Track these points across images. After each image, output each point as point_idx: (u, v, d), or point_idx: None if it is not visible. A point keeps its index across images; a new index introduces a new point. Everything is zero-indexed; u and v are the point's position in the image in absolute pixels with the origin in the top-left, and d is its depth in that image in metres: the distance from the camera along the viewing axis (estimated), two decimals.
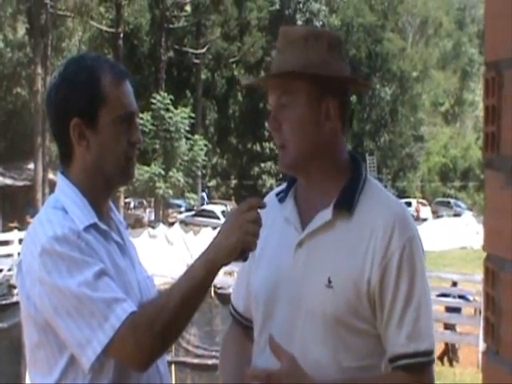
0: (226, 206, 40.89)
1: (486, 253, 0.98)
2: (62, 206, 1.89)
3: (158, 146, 37.05)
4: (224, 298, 7.92)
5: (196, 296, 1.82)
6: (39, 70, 39.06)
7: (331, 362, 1.78)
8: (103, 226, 1.92)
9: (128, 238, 2.09)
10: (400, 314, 1.76)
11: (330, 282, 1.77)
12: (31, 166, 40.38)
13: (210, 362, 7.73)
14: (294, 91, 1.83)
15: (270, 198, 2.01)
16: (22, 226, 32.52)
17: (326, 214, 1.83)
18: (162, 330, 1.77)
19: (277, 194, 2.00)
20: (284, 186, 2.01)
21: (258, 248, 1.80)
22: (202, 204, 42.91)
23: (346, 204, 1.82)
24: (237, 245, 1.76)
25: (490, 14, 0.99)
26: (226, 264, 1.80)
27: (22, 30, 48.64)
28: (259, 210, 1.79)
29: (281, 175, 44.20)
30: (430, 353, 1.79)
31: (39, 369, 1.89)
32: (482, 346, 11.84)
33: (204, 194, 46.23)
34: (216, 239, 1.80)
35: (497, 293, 0.94)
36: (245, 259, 1.80)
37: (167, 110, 37.09)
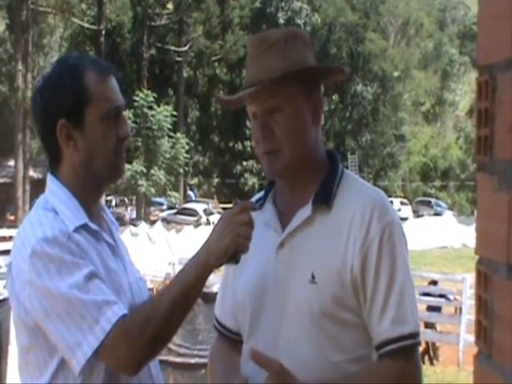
0: (207, 204, 40.84)
1: (479, 256, 0.98)
2: (52, 207, 1.87)
3: (139, 144, 36.99)
4: (207, 297, 7.88)
5: (187, 299, 1.80)
6: (20, 66, 38.82)
7: (318, 358, 1.77)
8: (94, 227, 1.90)
9: (120, 239, 2.07)
10: (383, 298, 1.76)
11: (313, 277, 1.77)
12: (11, 163, 40.12)
13: (192, 360, 7.69)
14: (287, 93, 1.81)
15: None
16: (3, 224, 32.28)
17: (306, 211, 1.83)
18: (152, 334, 1.75)
19: (256, 201, 1.98)
20: (261, 193, 2.00)
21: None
22: (190, 201, 42.84)
23: (324, 198, 1.83)
24: (229, 247, 1.74)
25: (484, 17, 0.99)
26: (217, 267, 1.78)
27: (2, 25, 48.28)
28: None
29: (263, 174, 44.16)
30: (415, 335, 1.77)
31: (30, 372, 1.87)
32: (462, 344, 11.91)
33: (191, 193, 46.23)
34: (208, 242, 1.78)
35: (489, 296, 0.94)
36: (237, 262, 1.78)
37: (150, 107, 37.00)
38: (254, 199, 2.01)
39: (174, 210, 40.54)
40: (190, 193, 46.02)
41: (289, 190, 1.90)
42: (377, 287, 1.76)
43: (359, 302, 1.78)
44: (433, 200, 51.20)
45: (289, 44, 1.83)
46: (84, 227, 1.86)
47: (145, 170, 36.60)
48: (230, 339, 2.02)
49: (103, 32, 41.46)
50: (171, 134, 38.16)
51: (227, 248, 1.74)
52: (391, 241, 1.77)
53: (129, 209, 43.15)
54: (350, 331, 1.79)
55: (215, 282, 10.42)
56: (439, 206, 49.43)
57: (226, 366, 1.94)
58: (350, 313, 1.78)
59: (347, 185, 1.86)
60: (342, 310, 1.77)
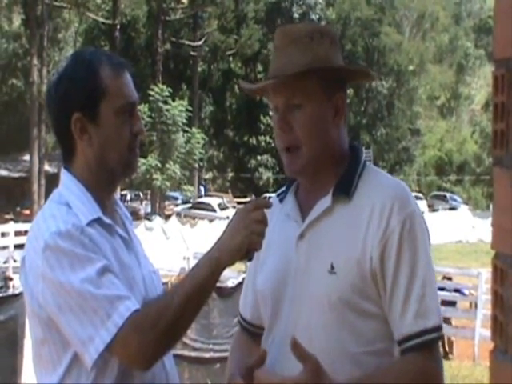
0: (222, 198, 40.85)
1: (495, 251, 0.97)
2: (66, 201, 1.87)
3: (154, 139, 37.02)
4: (221, 291, 7.89)
5: (200, 295, 1.80)
6: (35, 61, 38.93)
7: (336, 349, 1.76)
8: (107, 220, 1.90)
9: (133, 232, 2.06)
10: (405, 291, 1.73)
11: (332, 267, 1.76)
12: (27, 157, 40.29)
13: (207, 355, 7.71)
14: (307, 90, 1.81)
15: (273, 201, 2.00)
16: (18, 218, 32.47)
17: (325, 201, 1.82)
18: (165, 329, 1.75)
19: (278, 195, 2.00)
20: (284, 187, 2.01)
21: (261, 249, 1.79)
22: (200, 196, 42.88)
23: (345, 189, 1.82)
24: (242, 245, 1.75)
25: (500, 11, 0.98)
26: (231, 264, 1.78)
27: (17, 20, 48.49)
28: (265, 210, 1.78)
29: (278, 168, 44.14)
30: (438, 328, 1.75)
31: (44, 365, 1.87)
32: (477, 339, 11.87)
33: (202, 188, 46.23)
34: (221, 239, 1.79)
35: (505, 291, 0.93)
36: (250, 259, 1.79)
37: (165, 102, 37.02)
38: (277, 193, 2.01)
39: (189, 205, 40.57)
40: (201, 188, 45.99)
41: (309, 183, 1.90)
42: (397, 280, 1.74)
43: (379, 292, 1.76)
44: (448, 194, 50.91)
45: (314, 41, 1.82)
46: (97, 221, 1.86)
47: (160, 165, 36.65)
48: (250, 331, 2.04)
49: (118, 27, 41.47)
50: (186, 128, 38.18)
51: (240, 245, 1.75)
52: (412, 233, 1.75)
53: (143, 203, 43.20)
54: (371, 322, 1.77)
55: (230, 276, 10.44)
56: (454, 200, 49.15)
57: (243, 353, 1.97)
58: (370, 302, 1.76)
59: (369, 176, 1.85)
60: (362, 299, 1.76)
